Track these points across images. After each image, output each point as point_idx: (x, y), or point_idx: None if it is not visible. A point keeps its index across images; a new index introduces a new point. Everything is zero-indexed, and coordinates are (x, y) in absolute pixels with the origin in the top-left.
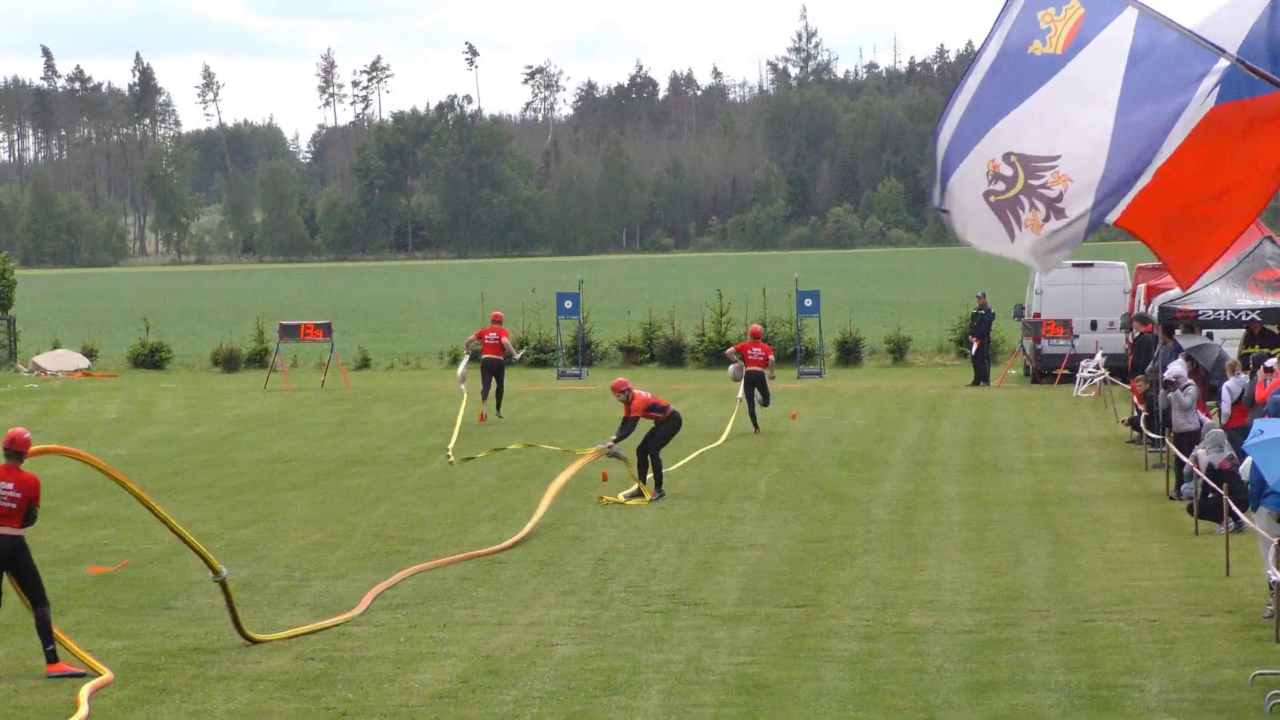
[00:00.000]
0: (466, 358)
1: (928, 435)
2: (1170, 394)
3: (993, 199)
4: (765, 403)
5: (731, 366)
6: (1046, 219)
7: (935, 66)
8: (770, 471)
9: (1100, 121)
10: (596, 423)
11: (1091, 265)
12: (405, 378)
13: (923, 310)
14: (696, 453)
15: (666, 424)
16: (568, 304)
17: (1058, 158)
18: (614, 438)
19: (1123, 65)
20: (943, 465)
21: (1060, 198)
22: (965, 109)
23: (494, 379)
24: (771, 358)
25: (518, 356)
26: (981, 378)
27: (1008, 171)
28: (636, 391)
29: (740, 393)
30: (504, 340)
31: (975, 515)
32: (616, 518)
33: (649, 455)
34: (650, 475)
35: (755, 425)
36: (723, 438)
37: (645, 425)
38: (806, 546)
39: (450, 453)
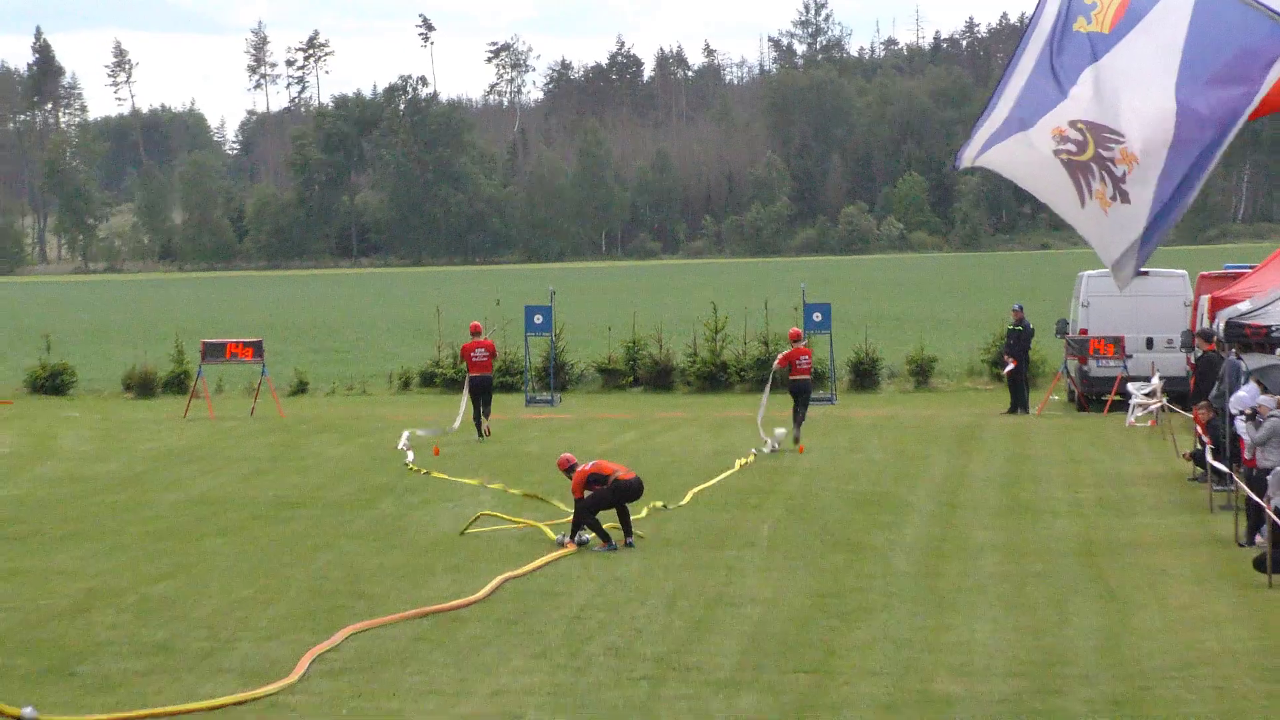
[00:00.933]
0: (465, 393)
1: (956, 472)
2: (1243, 426)
3: (1064, 157)
4: (799, 421)
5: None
6: (1113, 198)
7: (964, 43)
8: (774, 514)
9: (1160, 110)
10: None
11: (1146, 274)
12: (349, 405)
13: (950, 326)
14: (691, 492)
15: (609, 493)
16: (538, 319)
17: (1123, 135)
18: (569, 537)
19: (1180, 47)
20: (974, 507)
21: (1124, 179)
22: (1020, 90)
23: (483, 400)
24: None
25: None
26: (1019, 404)
27: (1076, 136)
28: (580, 467)
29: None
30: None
31: (1012, 566)
32: (595, 568)
33: (584, 514)
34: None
35: (798, 440)
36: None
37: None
38: (816, 602)
39: (410, 460)
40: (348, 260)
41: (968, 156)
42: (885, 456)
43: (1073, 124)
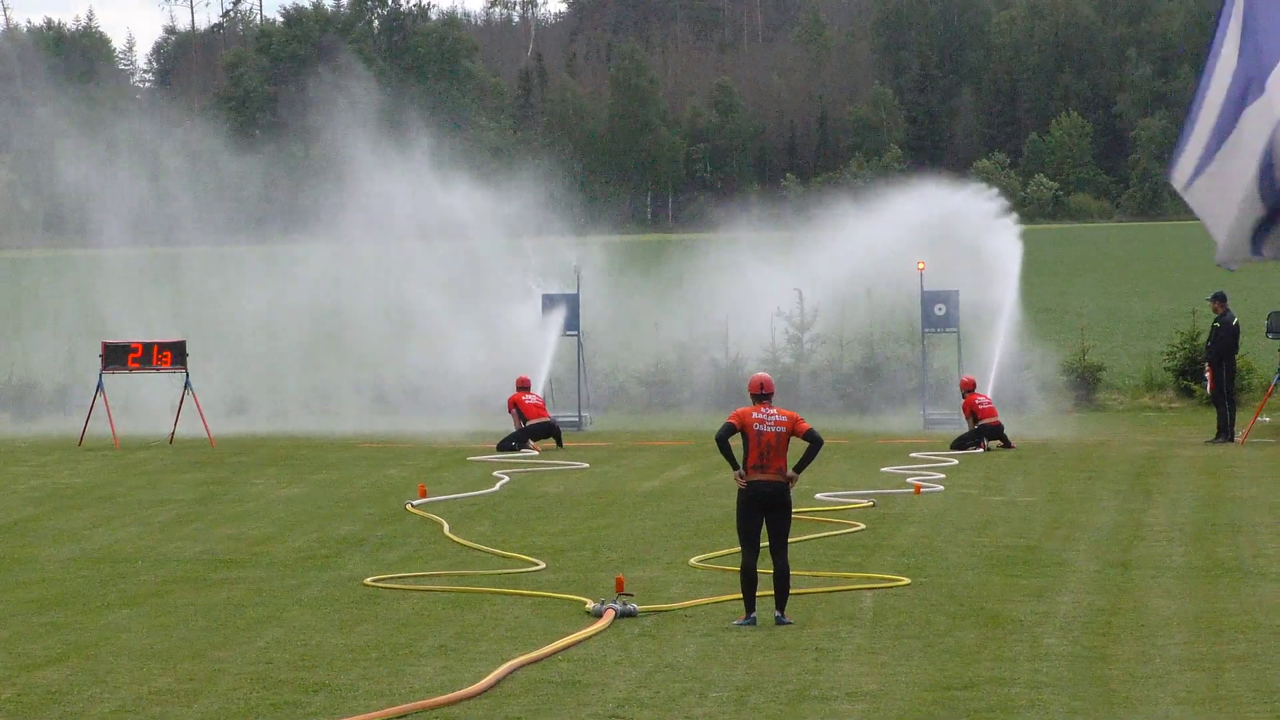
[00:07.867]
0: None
1: (1130, 520)
2: None
3: None
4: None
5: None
6: None
7: None
8: (881, 575)
9: None
10: (603, 503)
11: None
12: (304, 430)
13: (1123, 322)
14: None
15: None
16: (558, 311)
17: None
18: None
19: None
20: (1155, 568)
21: None
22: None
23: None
24: None
25: None
26: (1224, 430)
27: None
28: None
29: None
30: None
31: (1206, 646)
32: (637, 650)
33: None
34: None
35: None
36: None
37: None
38: (939, 697)
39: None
40: (302, 228)
41: (1178, 178)
42: (1034, 499)
43: None
